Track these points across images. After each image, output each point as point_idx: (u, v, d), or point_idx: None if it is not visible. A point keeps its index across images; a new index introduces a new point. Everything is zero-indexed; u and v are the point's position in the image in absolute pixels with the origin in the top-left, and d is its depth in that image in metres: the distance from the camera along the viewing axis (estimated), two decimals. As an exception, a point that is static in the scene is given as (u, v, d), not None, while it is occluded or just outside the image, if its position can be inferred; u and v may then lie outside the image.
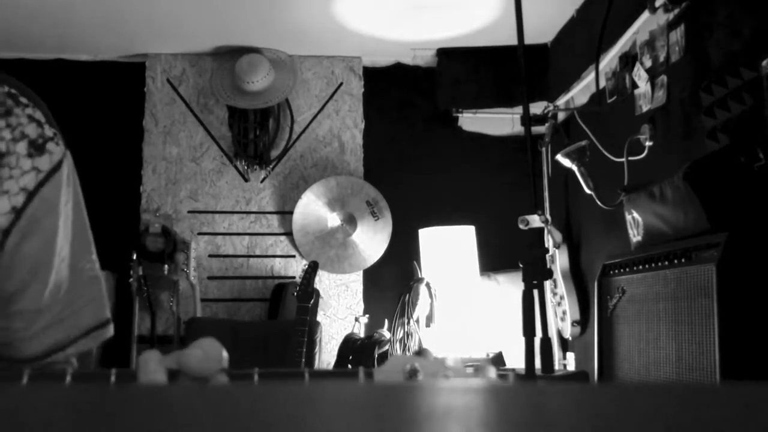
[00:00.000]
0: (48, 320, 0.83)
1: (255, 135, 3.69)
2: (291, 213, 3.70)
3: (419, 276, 3.41)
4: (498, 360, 2.89)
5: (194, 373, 0.58)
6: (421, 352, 0.63)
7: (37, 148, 0.81)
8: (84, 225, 0.88)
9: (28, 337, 0.82)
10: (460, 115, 3.74)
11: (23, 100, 0.83)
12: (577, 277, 3.26)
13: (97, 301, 0.88)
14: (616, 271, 2.20)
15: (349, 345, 3.17)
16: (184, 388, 0.49)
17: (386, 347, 3.10)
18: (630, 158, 2.60)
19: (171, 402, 0.39)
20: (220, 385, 0.56)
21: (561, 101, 3.44)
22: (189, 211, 3.71)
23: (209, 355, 0.59)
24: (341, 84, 3.83)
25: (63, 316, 0.84)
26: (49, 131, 0.83)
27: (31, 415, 0.34)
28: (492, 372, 0.63)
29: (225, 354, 0.60)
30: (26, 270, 0.80)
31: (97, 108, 3.74)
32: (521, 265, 2.17)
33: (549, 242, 3.04)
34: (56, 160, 0.83)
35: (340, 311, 3.70)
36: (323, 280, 3.68)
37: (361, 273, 3.73)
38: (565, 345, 3.44)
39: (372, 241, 3.69)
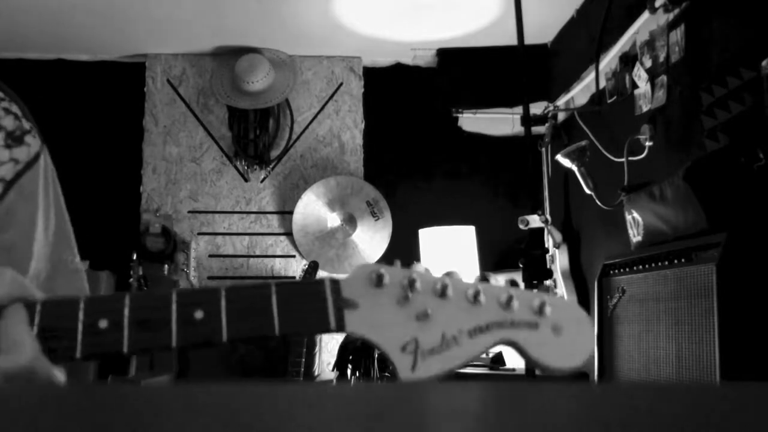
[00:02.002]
0: None
1: (255, 135, 3.69)
2: (291, 213, 3.70)
3: (419, 276, 3.41)
4: (497, 360, 2.89)
5: None
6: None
7: (15, 139, 0.82)
8: (63, 218, 0.89)
9: None
10: (460, 115, 3.74)
11: None
12: (577, 277, 3.26)
13: (81, 294, 0.88)
14: (616, 271, 2.20)
15: (348, 345, 3.16)
16: (185, 388, 0.49)
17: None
18: (630, 158, 2.60)
19: (171, 402, 0.39)
20: (220, 386, 0.56)
21: (561, 101, 3.44)
22: (189, 211, 3.71)
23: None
24: (341, 84, 3.83)
25: None
26: (26, 124, 0.84)
27: (27, 416, 0.34)
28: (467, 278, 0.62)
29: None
30: (6, 258, 0.81)
31: (97, 108, 3.75)
32: (521, 265, 2.18)
33: (549, 242, 3.04)
34: (34, 152, 0.84)
35: (340, 311, 3.70)
36: (323, 280, 3.67)
37: (361, 273, 3.72)
38: (565, 345, 3.43)
39: (372, 241, 3.69)
